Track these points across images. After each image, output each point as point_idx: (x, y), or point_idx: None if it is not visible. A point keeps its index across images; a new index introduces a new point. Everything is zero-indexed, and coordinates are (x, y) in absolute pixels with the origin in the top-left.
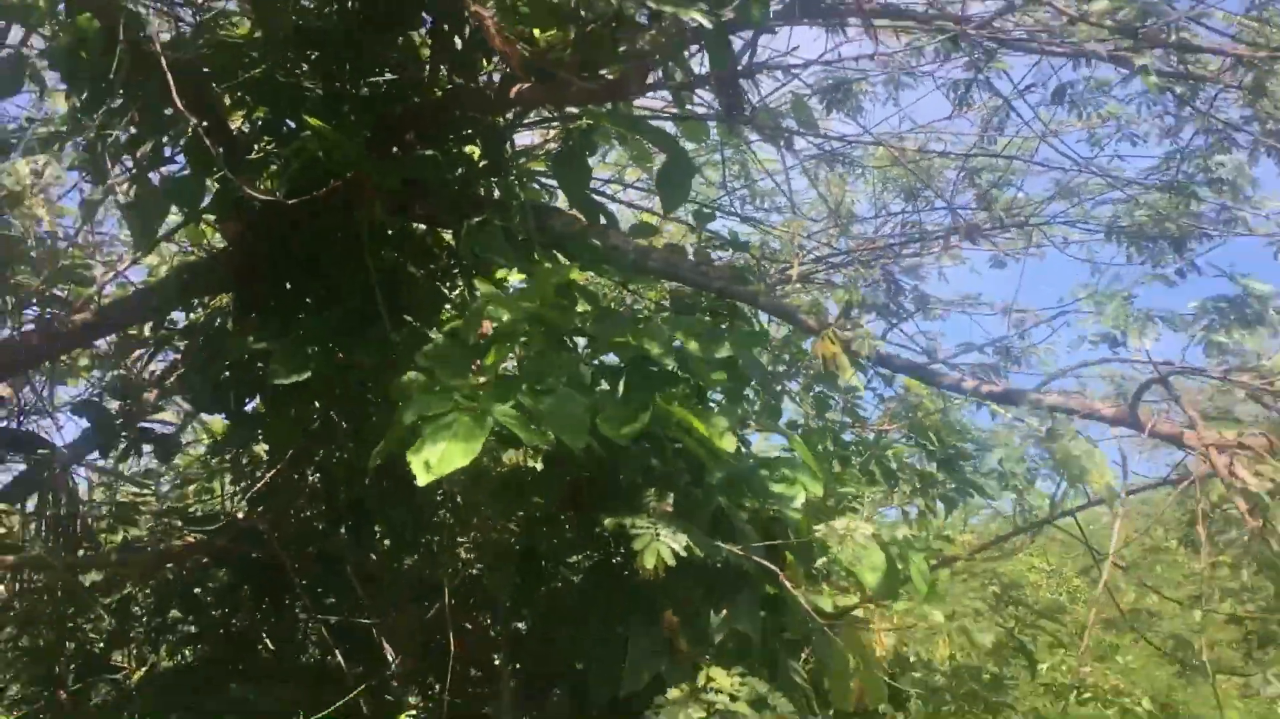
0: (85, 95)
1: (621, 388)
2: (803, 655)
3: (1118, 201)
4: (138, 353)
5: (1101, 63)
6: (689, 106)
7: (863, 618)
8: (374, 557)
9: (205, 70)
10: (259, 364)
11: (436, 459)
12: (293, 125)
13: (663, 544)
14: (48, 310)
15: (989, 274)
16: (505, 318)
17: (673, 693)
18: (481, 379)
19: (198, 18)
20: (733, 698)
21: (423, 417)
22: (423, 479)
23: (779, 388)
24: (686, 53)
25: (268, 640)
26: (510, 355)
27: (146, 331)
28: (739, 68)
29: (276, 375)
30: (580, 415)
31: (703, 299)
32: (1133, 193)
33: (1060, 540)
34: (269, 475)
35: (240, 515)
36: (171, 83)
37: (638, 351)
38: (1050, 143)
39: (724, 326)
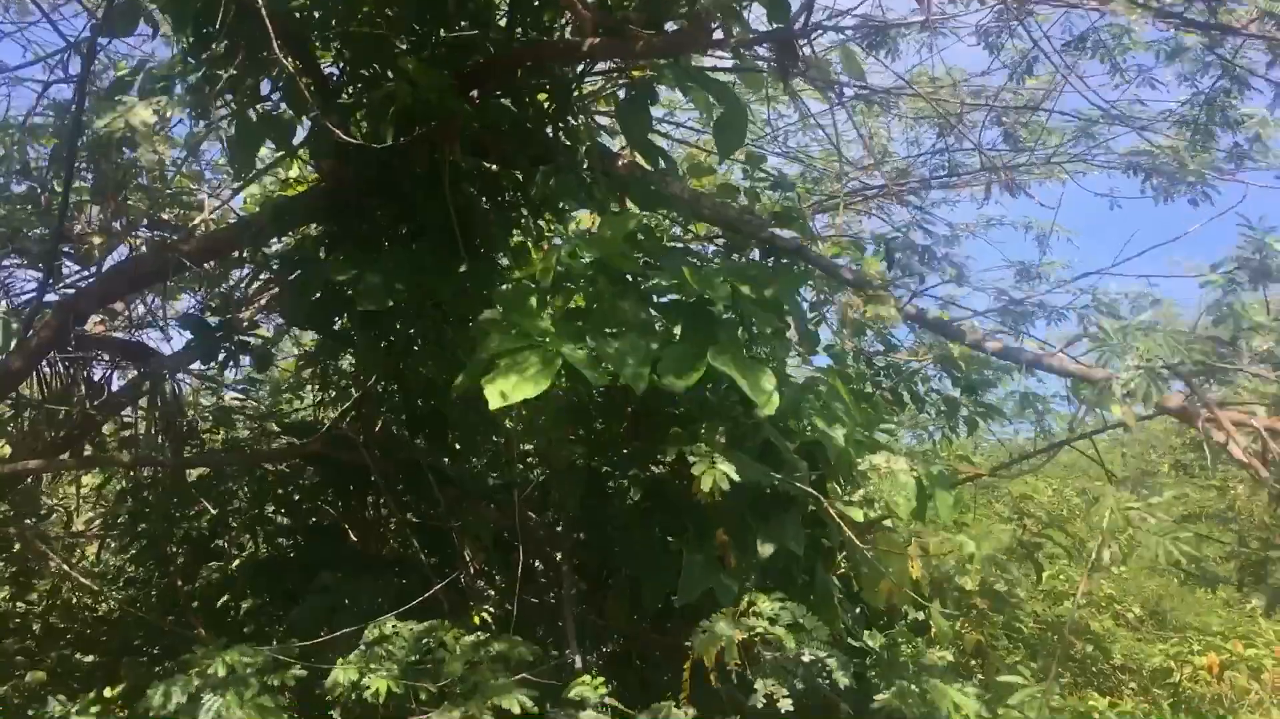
0: (192, 38)
1: (679, 331)
2: (837, 559)
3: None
4: (237, 274)
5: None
6: (745, 54)
7: (895, 531)
8: (447, 461)
9: (299, 17)
10: (348, 288)
11: (509, 389)
12: (381, 71)
13: (719, 470)
14: (157, 233)
15: (1010, 200)
16: (585, 259)
17: (717, 617)
18: (550, 318)
19: None
20: (771, 621)
21: (498, 352)
22: (495, 405)
23: (818, 315)
24: (745, 10)
25: (352, 534)
26: (576, 296)
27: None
28: (794, 27)
29: (364, 304)
30: (643, 358)
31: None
32: (1151, 135)
33: (1063, 464)
34: (356, 387)
35: (329, 422)
36: (270, 28)
37: (696, 294)
38: (1074, 81)
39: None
